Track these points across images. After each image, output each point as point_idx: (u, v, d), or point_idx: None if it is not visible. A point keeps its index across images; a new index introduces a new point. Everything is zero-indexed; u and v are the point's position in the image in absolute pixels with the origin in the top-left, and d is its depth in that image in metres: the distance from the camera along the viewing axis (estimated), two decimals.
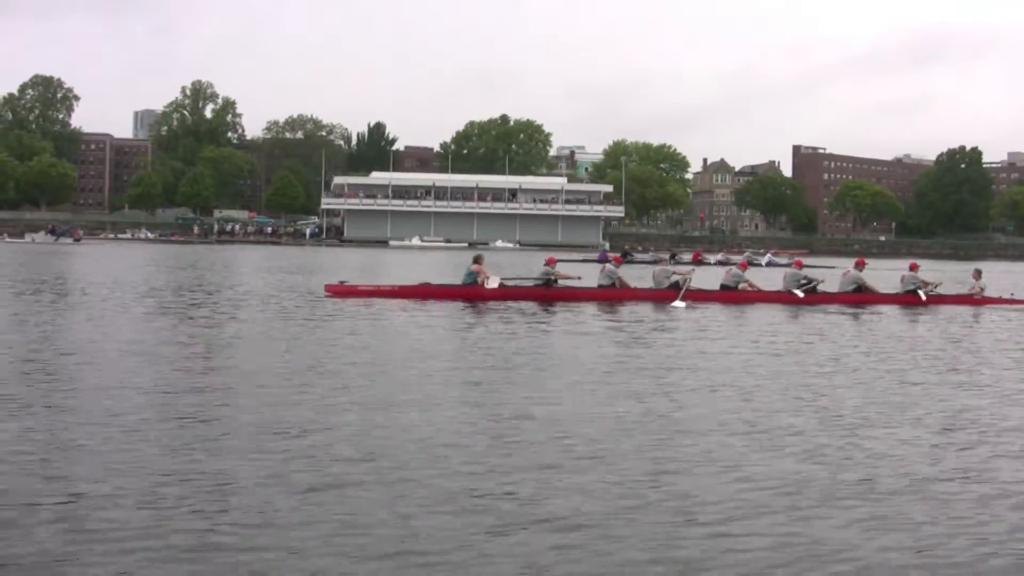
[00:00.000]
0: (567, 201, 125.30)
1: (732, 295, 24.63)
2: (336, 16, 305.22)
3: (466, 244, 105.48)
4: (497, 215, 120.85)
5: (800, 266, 27.46)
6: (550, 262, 24.97)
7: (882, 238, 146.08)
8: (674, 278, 24.42)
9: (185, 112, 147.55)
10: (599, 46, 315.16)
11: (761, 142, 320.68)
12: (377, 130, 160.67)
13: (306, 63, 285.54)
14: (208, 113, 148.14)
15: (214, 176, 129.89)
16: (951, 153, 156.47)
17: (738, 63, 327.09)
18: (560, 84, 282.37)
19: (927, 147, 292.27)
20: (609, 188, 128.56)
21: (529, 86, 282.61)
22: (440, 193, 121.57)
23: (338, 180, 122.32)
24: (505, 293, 23.36)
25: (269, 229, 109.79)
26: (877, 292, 25.89)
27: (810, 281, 25.61)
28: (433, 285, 24.02)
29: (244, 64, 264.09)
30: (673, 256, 55.74)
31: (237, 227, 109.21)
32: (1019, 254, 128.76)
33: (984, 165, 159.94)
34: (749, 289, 25.19)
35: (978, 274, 27.47)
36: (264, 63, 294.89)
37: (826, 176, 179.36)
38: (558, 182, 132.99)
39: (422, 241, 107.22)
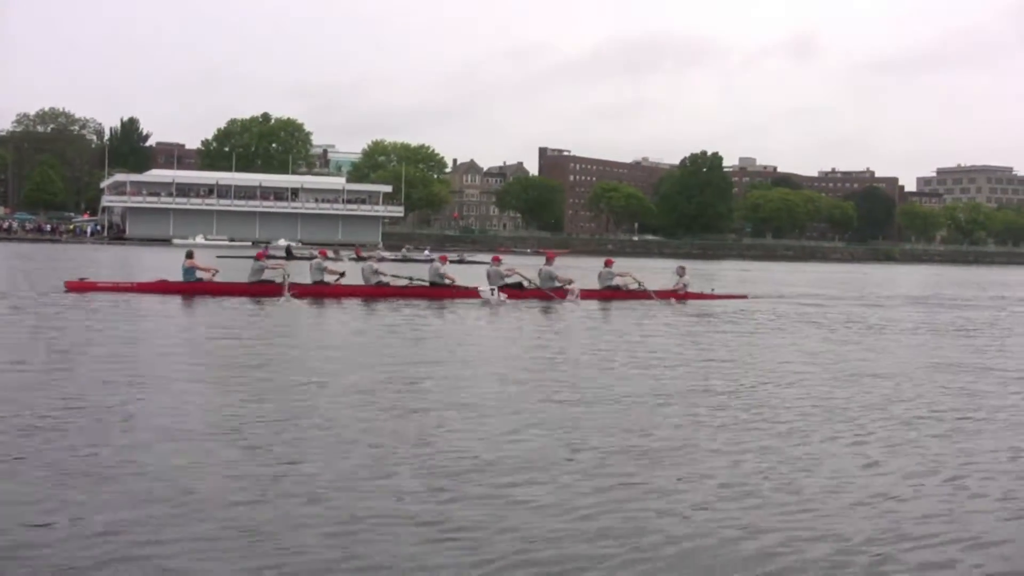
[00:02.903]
0: (348, 201, 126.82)
1: (437, 291, 26.60)
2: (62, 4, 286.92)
3: (250, 243, 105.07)
4: (279, 214, 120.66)
5: (498, 262, 28.27)
6: (260, 256, 27.61)
7: (635, 238, 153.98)
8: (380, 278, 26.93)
9: None
10: (314, 46, 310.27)
11: (495, 143, 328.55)
12: (130, 125, 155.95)
13: (49, 54, 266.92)
14: None
15: None
16: (693, 157, 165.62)
17: (459, 65, 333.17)
18: (278, 83, 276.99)
19: (658, 151, 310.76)
20: (388, 188, 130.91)
21: (249, 84, 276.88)
22: (223, 192, 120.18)
23: (119, 177, 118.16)
24: (223, 288, 25.61)
25: (48, 227, 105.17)
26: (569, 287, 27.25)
27: (514, 277, 27.48)
28: (168, 281, 25.69)
29: None
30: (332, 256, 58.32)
31: (15, 224, 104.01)
32: (761, 254, 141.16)
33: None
34: (448, 284, 26.99)
35: (682, 271, 29.52)
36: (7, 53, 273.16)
37: (572, 177, 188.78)
38: (339, 182, 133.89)
39: (206, 240, 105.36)
